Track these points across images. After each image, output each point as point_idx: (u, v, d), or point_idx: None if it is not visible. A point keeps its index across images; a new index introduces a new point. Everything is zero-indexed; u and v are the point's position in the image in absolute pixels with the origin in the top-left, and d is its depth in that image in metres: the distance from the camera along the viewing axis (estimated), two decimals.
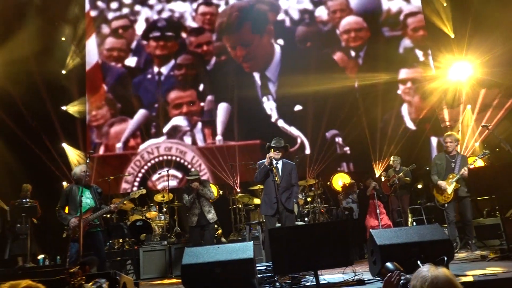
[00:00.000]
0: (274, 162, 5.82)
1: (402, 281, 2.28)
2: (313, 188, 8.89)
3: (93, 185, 6.24)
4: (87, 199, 5.89)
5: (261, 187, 7.10)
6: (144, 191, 6.78)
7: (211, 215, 7.02)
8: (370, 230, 4.74)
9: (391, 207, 8.17)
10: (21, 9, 9.87)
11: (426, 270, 1.82)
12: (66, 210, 6.01)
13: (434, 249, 4.24)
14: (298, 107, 10.71)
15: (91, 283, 3.50)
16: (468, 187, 6.39)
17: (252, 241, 4.87)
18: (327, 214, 8.80)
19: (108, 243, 7.91)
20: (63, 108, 10.71)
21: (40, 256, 8.38)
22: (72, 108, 10.76)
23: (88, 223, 5.77)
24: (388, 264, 2.72)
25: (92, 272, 4.37)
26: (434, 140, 10.51)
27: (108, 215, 8.19)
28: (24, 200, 8.32)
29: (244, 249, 4.40)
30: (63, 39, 10.91)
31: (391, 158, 8.47)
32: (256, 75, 11.03)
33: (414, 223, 8.78)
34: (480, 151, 8.04)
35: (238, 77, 10.83)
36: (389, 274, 2.38)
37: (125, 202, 6.97)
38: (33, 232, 8.21)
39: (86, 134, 10.67)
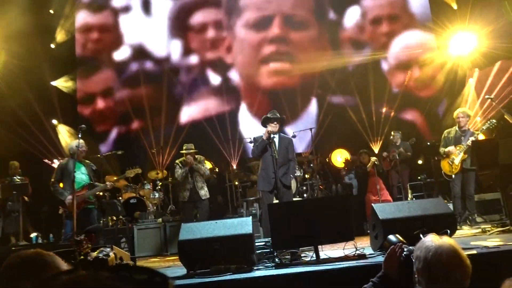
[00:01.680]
0: (272, 136, 5.64)
1: (405, 252, 2.24)
2: (311, 165, 8.73)
3: (88, 161, 6.10)
4: (82, 175, 5.80)
5: (258, 163, 6.92)
6: (139, 171, 6.62)
7: (204, 192, 6.76)
8: (372, 204, 4.62)
9: (391, 183, 8.10)
10: None
11: (430, 240, 1.79)
12: (61, 185, 5.85)
13: (437, 223, 4.16)
14: None
15: (97, 252, 3.46)
16: (471, 159, 6.32)
17: (250, 217, 4.75)
18: (326, 190, 8.69)
19: (102, 221, 7.76)
20: (53, 83, 10.35)
21: (33, 234, 8.23)
22: (62, 84, 10.41)
23: (84, 199, 5.69)
24: (391, 237, 2.66)
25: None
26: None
27: (101, 193, 8.03)
28: (14, 177, 8.12)
29: (242, 225, 4.29)
30: (51, 11, 10.44)
31: (392, 133, 8.37)
32: None
33: (414, 199, 8.69)
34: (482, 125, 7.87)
35: None
36: (392, 247, 2.34)
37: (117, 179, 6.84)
38: (25, 210, 8.04)
39: (76, 110, 10.36)
